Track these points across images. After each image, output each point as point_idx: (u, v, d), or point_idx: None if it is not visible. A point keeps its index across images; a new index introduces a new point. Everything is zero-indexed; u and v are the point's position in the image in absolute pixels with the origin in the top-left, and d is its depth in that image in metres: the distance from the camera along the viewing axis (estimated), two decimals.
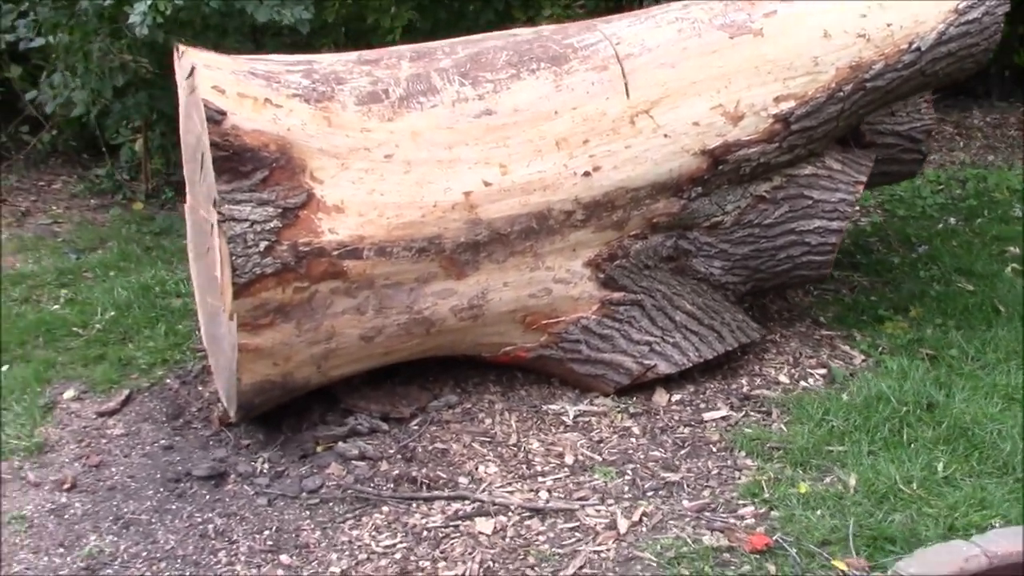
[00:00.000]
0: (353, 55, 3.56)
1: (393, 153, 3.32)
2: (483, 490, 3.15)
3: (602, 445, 3.39)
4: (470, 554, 2.84)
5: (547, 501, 3.08)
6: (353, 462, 3.31)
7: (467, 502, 3.09)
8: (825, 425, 3.36)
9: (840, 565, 2.70)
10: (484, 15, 5.93)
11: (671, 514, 2.99)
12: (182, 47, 3.47)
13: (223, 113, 3.09)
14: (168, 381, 3.79)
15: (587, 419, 3.55)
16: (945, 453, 3.18)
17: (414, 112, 3.38)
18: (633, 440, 3.41)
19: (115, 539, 2.93)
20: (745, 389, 3.71)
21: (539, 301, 3.58)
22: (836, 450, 3.24)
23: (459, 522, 2.99)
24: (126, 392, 3.69)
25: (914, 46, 3.65)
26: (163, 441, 3.45)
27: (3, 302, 4.35)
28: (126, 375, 3.82)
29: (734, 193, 3.70)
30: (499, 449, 3.38)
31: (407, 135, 3.35)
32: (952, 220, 5.47)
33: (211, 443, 3.47)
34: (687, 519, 2.96)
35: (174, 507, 3.09)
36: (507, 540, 2.90)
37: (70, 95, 5.41)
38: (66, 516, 3.03)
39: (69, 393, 3.71)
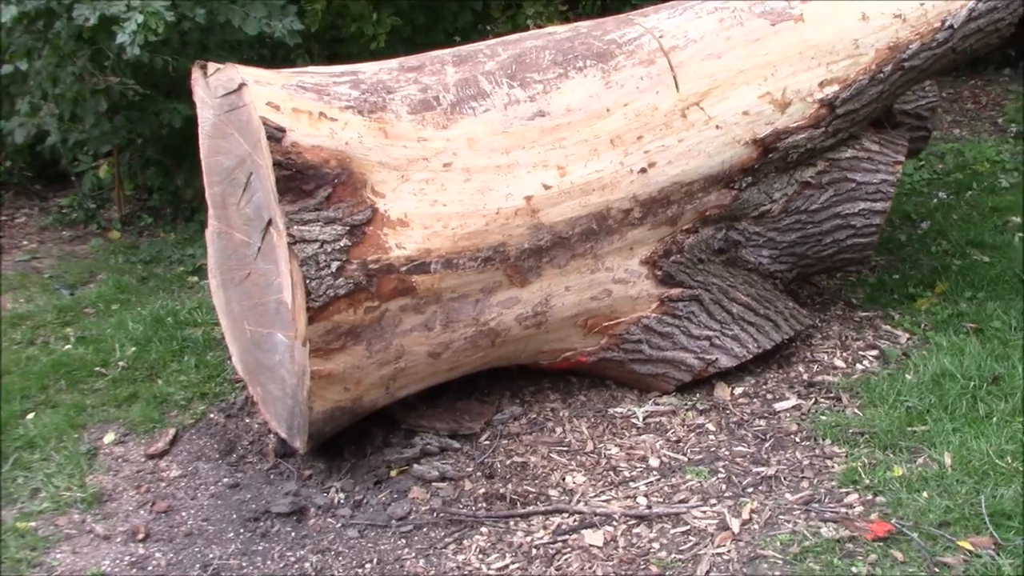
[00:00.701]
0: (394, 63, 3.44)
1: (452, 161, 3.20)
2: (578, 501, 3.07)
3: (682, 444, 3.34)
4: (589, 568, 2.75)
5: (648, 507, 3.01)
6: (434, 484, 3.19)
7: (566, 515, 3.00)
8: (900, 406, 3.36)
9: (966, 545, 2.69)
10: (462, 16, 5.82)
11: (778, 509, 2.94)
12: (211, 64, 3.30)
13: (283, 130, 2.95)
14: (212, 416, 3.60)
15: (657, 419, 3.49)
16: None
17: (467, 118, 3.27)
18: (712, 437, 3.36)
19: None
20: (805, 377, 3.69)
21: (600, 303, 3.51)
22: (919, 430, 3.23)
23: (566, 536, 2.90)
24: (172, 431, 3.50)
25: (947, 24, 3.67)
26: (226, 479, 3.27)
27: (7, 346, 4.09)
28: (165, 413, 3.62)
29: (780, 181, 3.69)
30: (579, 458, 3.29)
31: (463, 142, 3.24)
32: (943, 195, 5.57)
33: (274, 477, 3.31)
34: (796, 512, 2.92)
35: (261, 548, 2.93)
36: (621, 551, 2.82)
37: (39, 124, 5.13)
38: (149, 568, 2.84)
39: (109, 437, 3.50)
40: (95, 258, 5.24)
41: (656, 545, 2.83)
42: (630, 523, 2.94)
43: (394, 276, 3.08)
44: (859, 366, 3.74)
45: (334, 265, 2.98)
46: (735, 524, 2.88)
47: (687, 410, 3.53)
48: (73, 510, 3.10)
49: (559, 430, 3.45)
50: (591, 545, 2.85)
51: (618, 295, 3.53)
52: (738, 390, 3.64)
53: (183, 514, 3.09)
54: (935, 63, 3.74)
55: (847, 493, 2.99)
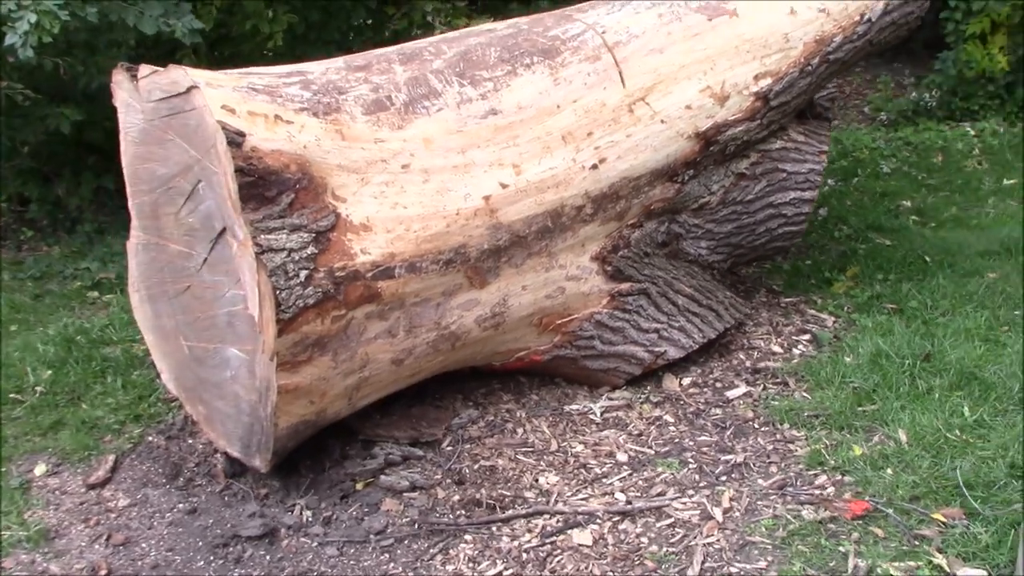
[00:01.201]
0: (339, 62, 3.32)
1: (410, 163, 3.12)
2: (556, 501, 3.05)
3: (645, 438, 3.36)
4: (584, 568, 2.74)
5: (628, 502, 3.02)
6: (406, 494, 3.11)
7: (547, 516, 2.98)
8: (846, 387, 3.49)
9: (939, 517, 2.81)
10: (356, 13, 5.69)
11: (755, 495, 3.00)
12: (144, 66, 3.11)
13: (243, 134, 2.80)
14: (151, 439, 3.40)
15: (614, 414, 3.51)
16: (964, 398, 3.36)
17: (422, 117, 3.20)
18: (673, 428, 3.40)
19: None
20: (748, 364, 3.79)
21: (554, 301, 3.50)
22: (869, 409, 3.36)
23: (554, 538, 2.87)
24: (111, 458, 3.28)
25: (865, 17, 3.83)
26: (181, 505, 3.10)
27: None
28: (98, 439, 3.39)
29: (718, 173, 3.76)
30: (546, 458, 3.27)
31: (420, 142, 3.16)
32: (832, 182, 5.81)
33: (230, 499, 3.15)
34: (772, 497, 2.99)
35: (238, 574, 2.78)
36: (612, 548, 2.82)
37: None
38: None
39: (40, 468, 3.25)
40: None
41: (645, 540, 2.84)
42: (614, 520, 2.94)
43: (360, 283, 2.98)
44: (795, 351, 3.86)
45: (303, 274, 2.85)
46: (717, 513, 2.92)
47: (642, 403, 3.56)
48: (18, 550, 2.86)
49: (520, 431, 3.42)
50: (580, 545, 2.84)
51: (571, 292, 3.52)
52: (686, 380, 3.70)
53: (143, 545, 2.91)
54: (855, 55, 3.90)
55: (816, 475, 3.07)
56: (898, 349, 3.67)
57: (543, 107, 3.36)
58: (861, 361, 3.63)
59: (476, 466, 3.24)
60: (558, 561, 2.78)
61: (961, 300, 4.10)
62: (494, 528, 2.94)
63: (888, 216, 5.13)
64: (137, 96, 3.16)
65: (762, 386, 3.62)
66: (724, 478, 3.10)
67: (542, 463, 3.25)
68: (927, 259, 4.56)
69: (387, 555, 2.85)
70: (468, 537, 2.91)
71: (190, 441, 3.39)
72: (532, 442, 3.36)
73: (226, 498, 3.16)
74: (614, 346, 3.61)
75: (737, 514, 2.92)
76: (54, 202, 5.48)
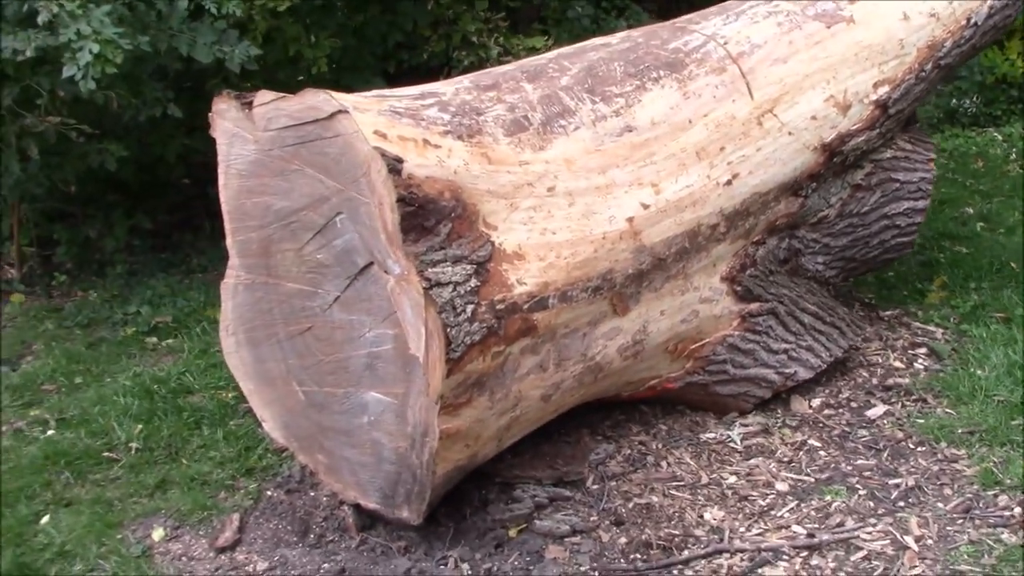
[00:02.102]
0: (464, 81, 3.13)
1: (554, 185, 2.94)
2: (731, 539, 2.86)
3: (797, 464, 3.20)
4: None
5: (810, 535, 2.85)
6: (567, 540, 2.91)
7: (728, 555, 2.80)
8: (991, 402, 3.37)
9: None
10: (392, 36, 5.48)
11: (941, 520, 2.86)
12: (264, 92, 2.90)
13: (401, 160, 2.59)
14: (270, 493, 3.15)
15: (755, 441, 3.35)
16: None
17: (560, 137, 3.02)
18: (823, 453, 3.25)
19: None
20: (875, 381, 3.65)
21: (688, 326, 3.33)
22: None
23: None
24: (235, 517, 3.02)
25: (972, 21, 3.75)
26: (326, 565, 2.86)
27: None
28: (212, 496, 3.13)
29: (836, 185, 3.64)
30: (701, 492, 3.10)
31: (562, 163, 2.98)
32: None
33: (372, 555, 2.91)
34: (960, 522, 2.85)
35: None
36: None
37: None
38: None
39: (159, 533, 2.98)
40: (15, 326, 4.53)
41: (843, 575, 2.67)
42: (803, 555, 2.77)
43: (518, 316, 2.78)
44: (917, 365, 3.74)
45: (469, 309, 2.65)
46: (910, 542, 2.77)
47: (779, 428, 3.40)
48: None
49: (663, 464, 3.24)
50: None
51: (704, 315, 3.36)
52: (816, 401, 3.55)
53: None
54: (960, 60, 3.82)
55: (996, 496, 2.94)
56: None
57: (675, 122, 3.21)
58: (997, 373, 3.51)
59: (630, 505, 3.05)
60: None
61: None
62: (675, 571, 2.75)
63: (955, 223, 5.06)
64: (249, 125, 2.94)
65: (900, 404, 3.48)
66: (901, 504, 2.95)
67: (699, 498, 3.07)
68: (1013, 265, 4.48)
69: None
70: None
71: (312, 494, 3.14)
72: (680, 476, 3.18)
73: (366, 554, 2.93)
74: (745, 369, 3.45)
75: (931, 541, 2.77)
76: (81, 244, 5.17)
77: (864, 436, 3.31)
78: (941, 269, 4.51)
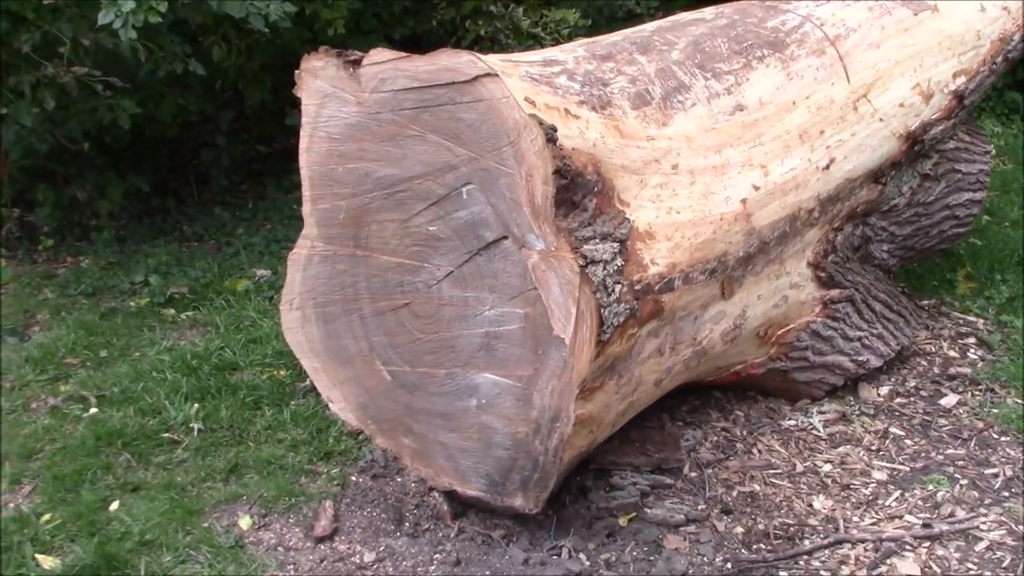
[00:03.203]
0: (578, 49, 2.98)
1: (677, 163, 2.83)
2: (848, 528, 2.83)
3: (886, 453, 3.19)
4: None
5: (927, 525, 2.83)
6: (682, 529, 2.82)
7: (850, 545, 2.76)
8: None
9: None
10: (399, 1, 5.26)
11: None
12: (379, 50, 2.71)
13: (555, 130, 2.44)
14: (354, 479, 2.97)
15: (837, 429, 3.33)
16: None
17: (679, 113, 2.91)
18: (909, 442, 3.25)
19: None
20: (936, 370, 3.67)
21: (778, 311, 3.28)
22: None
23: (878, 570, 2.65)
24: (328, 505, 2.83)
25: None
26: (437, 556, 2.70)
27: (4, 417, 3.15)
28: (295, 482, 2.93)
29: (907, 174, 3.64)
30: (801, 479, 3.05)
31: (683, 140, 2.88)
32: None
33: (480, 545, 2.77)
34: None
35: None
36: None
37: None
38: None
39: (245, 521, 2.78)
40: (9, 293, 4.18)
41: (972, 566, 2.67)
42: (925, 546, 2.75)
43: (650, 297, 2.67)
44: (971, 355, 3.78)
45: (617, 289, 2.52)
46: None
47: (857, 415, 3.39)
48: None
49: (754, 452, 3.19)
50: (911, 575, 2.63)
51: (792, 300, 3.31)
52: (883, 390, 3.55)
53: None
54: (1021, 54, 3.85)
55: None
56: None
57: (780, 103, 3.14)
58: None
59: (734, 493, 2.98)
60: None
61: None
62: (800, 561, 2.70)
63: None
64: (352, 85, 2.75)
65: (969, 393, 3.50)
66: (1005, 494, 2.96)
67: (801, 486, 3.02)
68: None
69: None
70: (783, 574, 2.65)
71: (399, 480, 2.98)
72: (775, 463, 3.13)
73: (470, 543, 2.78)
74: (823, 356, 3.42)
75: None
76: (66, 206, 4.82)
77: (945, 425, 3.31)
78: (962, 260, 4.57)
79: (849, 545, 2.75)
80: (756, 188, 3.00)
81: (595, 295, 2.45)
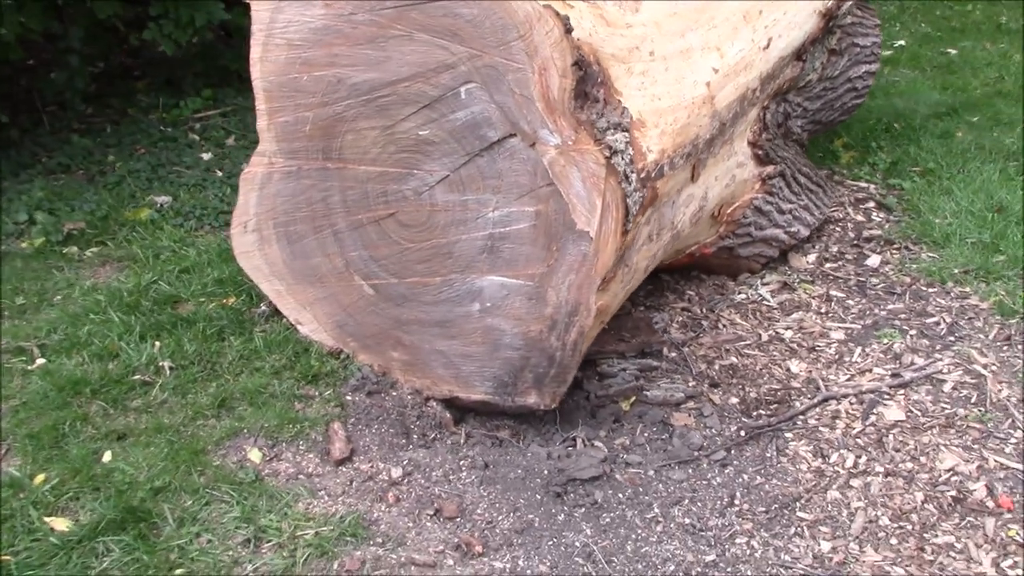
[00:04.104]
0: None
1: (653, 49, 2.86)
2: (828, 385, 3.03)
3: (835, 313, 3.41)
4: (927, 442, 2.77)
5: (896, 374, 3.06)
6: (683, 406, 2.93)
7: (836, 401, 2.96)
8: (966, 244, 3.74)
9: None
10: None
11: (991, 348, 3.17)
12: None
13: (568, 19, 2.40)
14: (349, 398, 2.89)
15: (784, 297, 3.53)
16: None
17: None
18: (852, 302, 3.48)
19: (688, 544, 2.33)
20: (851, 235, 3.92)
21: (728, 190, 3.40)
22: (1002, 259, 3.63)
23: (869, 419, 2.86)
24: (336, 426, 2.76)
25: None
26: (463, 463, 2.70)
27: None
28: (290, 408, 2.83)
29: (819, 50, 3.80)
30: (771, 347, 3.23)
31: (654, 26, 2.90)
32: None
33: (493, 447, 2.79)
34: (1007, 348, 3.17)
35: (612, 519, 2.50)
36: (926, 418, 2.87)
37: None
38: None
39: (255, 454, 2.66)
40: None
41: (946, 405, 2.92)
42: (900, 393, 2.98)
43: (650, 184, 2.71)
44: (875, 217, 4.06)
45: (633, 178, 2.54)
46: (982, 370, 3.06)
47: (798, 283, 3.59)
48: (349, 547, 2.35)
49: (722, 328, 3.33)
50: (898, 421, 2.86)
51: (739, 179, 3.44)
52: (811, 257, 3.77)
53: (479, 511, 2.51)
54: None
55: (1020, 322, 3.29)
56: (970, 205, 3.97)
57: None
58: (952, 219, 3.89)
59: (716, 367, 3.12)
60: (894, 438, 2.78)
61: (959, 158, 4.48)
62: (798, 421, 2.87)
63: None
64: None
65: (887, 252, 3.78)
66: (951, 339, 3.24)
67: (773, 353, 3.19)
68: (896, 125, 4.92)
69: (730, 468, 2.69)
70: (788, 435, 2.82)
71: (395, 393, 2.92)
72: (742, 336, 3.28)
73: (486, 447, 2.78)
74: (763, 230, 3.59)
75: (995, 368, 3.07)
76: None
77: (878, 284, 3.57)
78: (837, 132, 4.85)
79: (835, 401, 2.94)
80: (715, 71, 3.06)
81: (620, 185, 2.46)
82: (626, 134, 2.53)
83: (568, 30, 2.36)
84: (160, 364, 2.94)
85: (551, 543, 2.40)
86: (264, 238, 3.02)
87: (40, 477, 2.50)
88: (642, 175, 2.62)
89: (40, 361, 2.97)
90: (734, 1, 3.20)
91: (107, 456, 2.60)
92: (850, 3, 3.69)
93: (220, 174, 4.31)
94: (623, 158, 2.49)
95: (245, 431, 2.72)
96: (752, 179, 3.50)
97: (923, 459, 2.70)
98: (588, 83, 2.47)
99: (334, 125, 2.75)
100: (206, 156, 4.51)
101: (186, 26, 4.86)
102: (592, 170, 2.44)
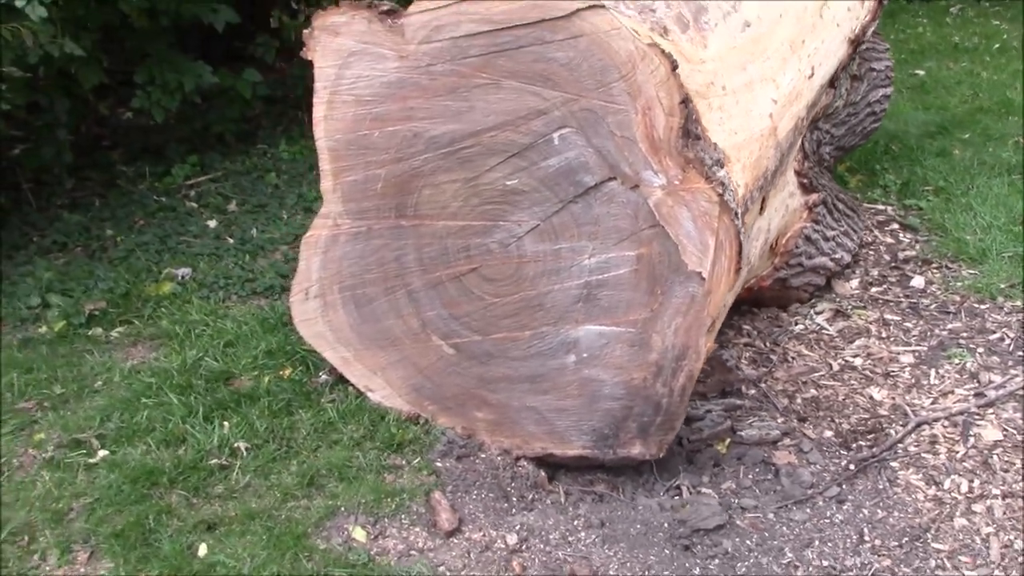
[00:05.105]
0: None
1: (725, 83, 2.82)
2: (915, 411, 2.99)
3: (898, 337, 3.40)
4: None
5: (979, 394, 3.05)
6: (781, 444, 2.87)
7: (928, 426, 2.93)
8: (1002, 259, 3.76)
9: None
10: None
11: None
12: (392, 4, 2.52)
13: (673, 56, 2.35)
14: (438, 464, 2.76)
15: (842, 325, 3.50)
16: None
17: (709, 34, 2.89)
18: (910, 324, 3.47)
19: None
20: (887, 258, 3.93)
21: (783, 221, 3.38)
22: None
23: (969, 441, 2.83)
24: (438, 495, 2.62)
25: None
26: (576, 523, 2.59)
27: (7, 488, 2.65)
28: (381, 481, 2.68)
29: (843, 77, 3.82)
30: (844, 378, 3.19)
31: (720, 61, 2.86)
32: None
33: (592, 503, 2.69)
34: None
35: (743, 563, 2.41)
36: (1021, 435, 2.85)
37: None
38: None
39: (359, 533, 2.51)
40: None
41: None
42: (986, 412, 2.96)
43: (737, 221, 2.65)
44: (903, 238, 4.08)
45: (740, 215, 2.48)
46: None
47: (851, 309, 3.57)
48: None
49: (790, 360, 3.28)
50: (996, 442, 2.83)
51: (790, 209, 3.42)
52: (854, 283, 3.76)
53: (615, 572, 2.39)
54: None
55: None
56: (993, 220, 4.02)
57: (771, 17, 3.19)
58: (982, 235, 3.92)
59: (798, 400, 3.07)
60: (999, 458, 2.75)
61: (964, 174, 4.55)
62: (898, 450, 2.83)
63: None
64: (390, 39, 2.54)
65: (928, 272, 3.79)
66: (1020, 354, 3.23)
67: (851, 382, 3.16)
68: (893, 147, 4.98)
69: (848, 504, 2.63)
70: (894, 464, 2.77)
71: (483, 455, 2.80)
72: (815, 367, 3.24)
73: (589, 503, 2.68)
74: (812, 259, 3.57)
75: None
76: None
77: (930, 304, 3.57)
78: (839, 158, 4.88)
79: (928, 426, 2.91)
80: (775, 102, 3.04)
81: (734, 223, 2.40)
82: (724, 171, 2.48)
83: (674, 67, 2.30)
84: (235, 445, 2.76)
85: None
86: (328, 304, 2.89)
87: None
88: (737, 212, 2.56)
89: (102, 453, 2.78)
90: (782, 31, 3.19)
91: (202, 550, 2.43)
92: (872, 29, 3.72)
93: (232, 241, 4.15)
94: (730, 195, 2.43)
95: (342, 509, 2.57)
96: (800, 208, 3.48)
97: None
98: (689, 121, 2.41)
99: (409, 181, 2.65)
100: (212, 224, 4.33)
101: (174, 91, 4.70)
102: (704, 208, 2.38)
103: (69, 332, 3.49)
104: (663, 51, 2.29)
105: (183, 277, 3.81)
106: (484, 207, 2.61)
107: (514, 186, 2.55)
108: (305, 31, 2.64)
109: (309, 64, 2.66)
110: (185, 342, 3.31)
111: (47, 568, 2.39)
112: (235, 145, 5.26)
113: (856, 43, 3.62)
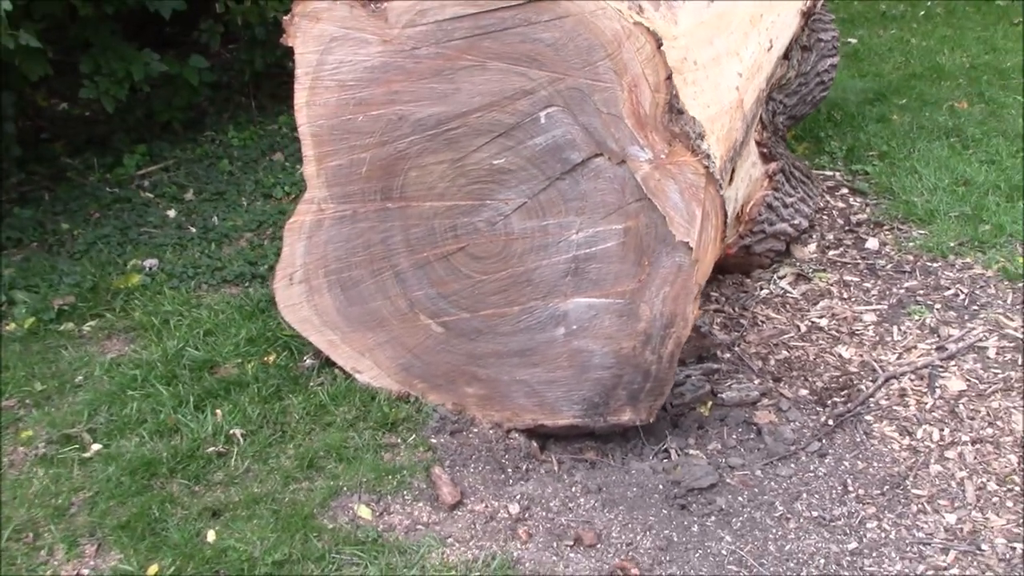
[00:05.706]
0: None
1: (696, 58, 2.91)
2: (883, 366, 3.13)
3: (861, 297, 3.53)
4: (997, 406, 2.90)
5: (941, 347, 3.20)
6: (761, 404, 2.99)
7: (897, 380, 3.07)
8: (949, 218, 3.93)
9: None
10: None
11: (1011, 311, 3.36)
12: None
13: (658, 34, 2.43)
14: (433, 440, 2.82)
15: (805, 288, 3.62)
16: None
17: (679, 10, 2.97)
18: (869, 284, 3.61)
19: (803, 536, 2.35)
20: (840, 221, 4.08)
21: (747, 190, 3.49)
22: (988, 228, 3.85)
23: (936, 393, 2.98)
24: (437, 470, 2.68)
25: None
26: (574, 488, 2.67)
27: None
28: (379, 458, 2.73)
29: (795, 47, 3.94)
30: (813, 338, 3.32)
31: (690, 36, 2.95)
32: None
33: (585, 470, 2.78)
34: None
35: (736, 525, 2.52)
36: (984, 385, 3.01)
37: None
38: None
39: (364, 511, 2.56)
40: None
41: (998, 371, 3.07)
42: (951, 364, 3.12)
43: (722, 191, 2.75)
44: (853, 202, 4.23)
45: (723, 185, 2.57)
46: (1017, 334, 3.23)
47: (812, 272, 3.70)
48: None
49: (767, 325, 3.40)
50: (961, 392, 2.99)
51: (753, 178, 3.53)
52: (811, 247, 3.90)
53: (614, 534, 2.48)
54: None
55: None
56: (938, 182, 4.20)
57: None
58: (928, 196, 4.09)
59: (771, 362, 3.19)
60: (965, 407, 2.91)
61: (905, 138, 4.72)
62: (871, 403, 2.96)
63: None
64: (373, 23, 2.58)
65: (881, 234, 3.94)
66: (975, 308, 3.40)
67: (820, 342, 3.28)
68: (834, 114, 5.14)
69: (829, 457, 2.75)
70: (869, 418, 2.90)
71: (476, 430, 2.86)
72: (784, 329, 3.36)
73: (582, 470, 2.77)
74: (773, 225, 3.69)
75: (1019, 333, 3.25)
76: None
77: (885, 264, 3.71)
78: None
79: (896, 380, 3.05)
80: (740, 75, 3.14)
81: (719, 193, 2.49)
82: (705, 143, 2.56)
83: (659, 44, 2.37)
84: (230, 432, 2.78)
85: (698, 555, 2.40)
86: (314, 288, 2.92)
87: (153, 568, 2.33)
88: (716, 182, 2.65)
89: (96, 447, 2.77)
90: (744, 5, 3.28)
91: (211, 536, 2.45)
92: (823, 1, 3.84)
93: (195, 230, 4.12)
94: (714, 166, 2.52)
95: (345, 489, 2.61)
96: (761, 177, 3.59)
97: (999, 423, 2.82)
98: (674, 96, 2.49)
99: (395, 163, 2.69)
100: (171, 213, 4.30)
101: (123, 80, 4.63)
102: (691, 181, 2.47)
103: (40, 328, 3.45)
104: (648, 29, 2.36)
105: (151, 268, 3.78)
106: (471, 187, 2.65)
107: (501, 165, 2.60)
108: (285, 17, 2.65)
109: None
110: (163, 333, 3.30)
111: (55, 563, 2.40)
112: (183, 133, 5.19)
113: (808, 15, 3.74)
